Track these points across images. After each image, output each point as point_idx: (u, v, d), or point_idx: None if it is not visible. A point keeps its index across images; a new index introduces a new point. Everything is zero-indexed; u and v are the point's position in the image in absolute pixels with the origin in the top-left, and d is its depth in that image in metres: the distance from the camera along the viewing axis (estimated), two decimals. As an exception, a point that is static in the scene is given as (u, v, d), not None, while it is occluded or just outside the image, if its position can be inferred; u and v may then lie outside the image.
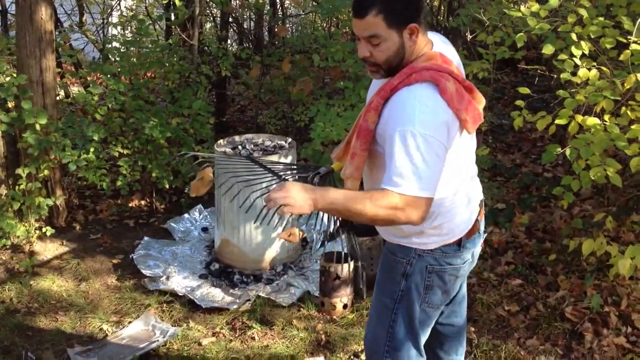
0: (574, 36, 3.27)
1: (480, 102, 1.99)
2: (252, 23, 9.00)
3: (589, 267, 3.73)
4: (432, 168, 1.83)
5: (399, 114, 1.86)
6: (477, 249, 2.24)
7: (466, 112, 1.90)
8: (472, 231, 2.15)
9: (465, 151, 2.06)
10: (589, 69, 3.19)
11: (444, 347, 2.45)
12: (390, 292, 2.21)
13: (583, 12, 3.27)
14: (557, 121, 3.21)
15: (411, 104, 1.85)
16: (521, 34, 3.48)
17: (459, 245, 2.12)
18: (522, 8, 3.42)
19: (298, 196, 1.86)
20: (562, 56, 3.27)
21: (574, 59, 3.24)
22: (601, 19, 3.32)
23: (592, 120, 3.11)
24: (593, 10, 3.37)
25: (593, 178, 3.04)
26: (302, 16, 9.96)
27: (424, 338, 2.28)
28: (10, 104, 4.38)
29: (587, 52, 3.28)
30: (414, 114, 1.83)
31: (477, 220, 2.17)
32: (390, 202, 1.82)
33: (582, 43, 3.27)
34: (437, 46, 2.01)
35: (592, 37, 3.30)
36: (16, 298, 3.83)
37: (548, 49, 3.30)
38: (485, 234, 2.31)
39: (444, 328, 2.41)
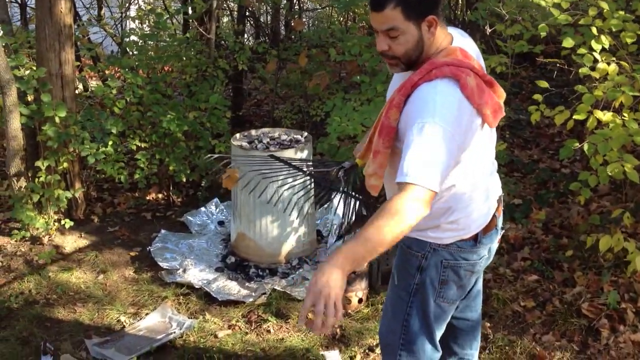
0: (594, 30, 3.24)
1: (501, 96, 1.98)
2: (269, 17, 9.01)
3: (606, 263, 3.71)
4: (445, 162, 1.79)
5: (420, 108, 1.84)
6: (494, 245, 2.23)
7: (487, 106, 1.89)
8: (489, 227, 2.14)
9: (484, 147, 2.04)
10: (608, 64, 3.17)
11: (458, 341, 2.45)
12: (405, 285, 2.20)
13: (604, 5, 3.24)
14: (575, 116, 3.19)
15: (432, 98, 1.83)
16: (543, 24, 3.45)
17: (475, 240, 2.10)
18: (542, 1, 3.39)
19: (332, 281, 1.74)
20: (582, 50, 3.24)
21: (594, 53, 3.21)
22: (622, 12, 3.29)
23: (610, 116, 3.09)
24: (613, 4, 3.33)
25: (610, 174, 3.02)
26: (319, 10, 9.95)
27: (439, 332, 2.27)
28: (29, 97, 4.43)
29: (607, 47, 3.25)
30: (434, 108, 1.81)
31: (494, 216, 2.16)
32: (410, 199, 1.76)
33: (602, 37, 3.24)
34: (457, 40, 2.00)
35: (613, 30, 3.26)
36: (35, 289, 3.88)
37: (568, 42, 3.27)
38: (503, 230, 2.29)
39: (459, 322, 2.40)
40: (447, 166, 1.81)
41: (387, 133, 1.96)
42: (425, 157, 1.77)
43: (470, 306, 2.39)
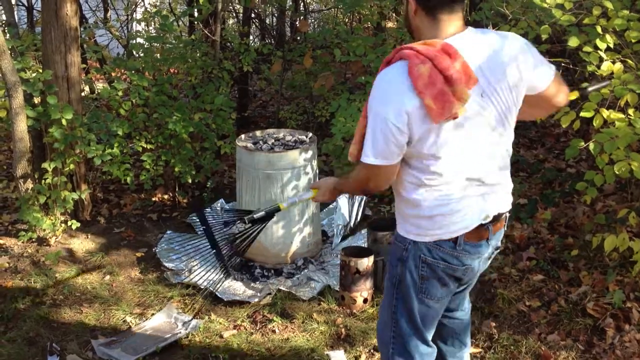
0: (599, 29, 3.24)
1: (460, 98, 1.91)
2: (274, 19, 9.03)
3: (612, 262, 3.70)
4: (380, 139, 1.96)
5: (372, 92, 2.01)
6: (483, 262, 2.21)
7: (432, 98, 1.88)
8: (476, 236, 2.11)
9: (459, 148, 2.00)
10: (613, 62, 3.16)
11: (447, 341, 2.47)
12: (390, 277, 2.24)
13: (608, 5, 3.23)
14: (582, 114, 3.18)
15: (377, 80, 2.00)
16: (545, 26, 3.45)
17: (455, 243, 2.09)
18: None
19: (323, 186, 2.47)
20: (587, 48, 3.24)
21: (599, 52, 3.21)
22: (626, 12, 3.28)
23: (616, 114, 3.08)
24: (618, 3, 3.33)
25: (617, 173, 3.01)
26: (324, 11, 9.97)
27: (430, 330, 2.29)
28: (36, 100, 4.45)
29: (612, 45, 3.25)
30: (374, 90, 1.99)
31: (487, 230, 2.13)
32: (358, 171, 2.13)
33: (607, 36, 3.23)
34: (455, 40, 1.97)
35: (617, 30, 3.26)
36: (42, 290, 3.90)
37: (574, 42, 3.26)
38: (497, 250, 2.26)
39: (448, 321, 2.43)
40: (384, 146, 1.97)
41: (363, 113, 2.08)
42: (368, 136, 2.01)
43: (460, 305, 2.43)
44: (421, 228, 2.10)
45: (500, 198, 2.16)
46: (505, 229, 2.25)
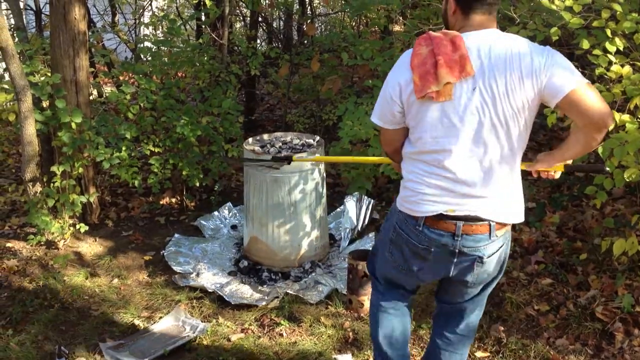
0: (608, 32, 3.23)
1: (440, 80, 2.05)
2: (281, 22, 9.04)
3: (620, 266, 3.68)
4: (380, 102, 2.26)
5: None
6: (461, 261, 2.25)
7: (418, 75, 2.09)
8: (436, 225, 2.20)
9: (437, 132, 2.13)
10: (622, 66, 3.15)
11: (440, 321, 2.61)
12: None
13: (617, 8, 3.22)
14: None
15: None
16: (555, 28, 3.44)
17: (416, 221, 2.24)
18: (557, 1, 3.37)
19: None
20: (597, 52, 3.23)
21: (609, 55, 3.20)
22: (635, 14, 3.27)
23: (626, 117, 3.07)
24: (626, 6, 3.32)
25: (628, 179, 3.00)
26: (331, 15, 9.97)
27: (385, 282, 2.58)
28: (44, 103, 4.47)
29: (621, 48, 3.24)
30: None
31: (452, 224, 2.18)
32: None
33: (616, 39, 3.22)
34: (470, 35, 2.09)
35: (626, 32, 3.25)
36: (50, 293, 3.91)
37: (585, 44, 3.26)
38: (482, 262, 2.26)
39: (440, 305, 2.60)
40: (381, 110, 2.26)
41: None
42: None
43: (446, 290, 2.51)
44: (401, 198, 2.32)
45: (483, 203, 2.16)
46: (492, 239, 2.21)
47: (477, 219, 2.17)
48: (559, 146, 2.22)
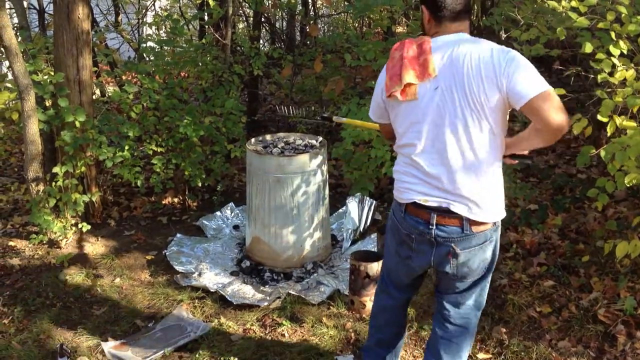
0: (612, 34, 3.22)
1: (403, 79, 2.25)
2: (284, 23, 9.05)
3: (623, 269, 3.68)
4: (373, 102, 2.53)
5: None
6: (438, 249, 2.35)
7: (389, 77, 2.32)
8: (415, 212, 2.37)
9: (407, 128, 2.33)
10: (626, 69, 3.14)
11: (438, 312, 2.65)
12: None
13: (622, 10, 3.22)
14: (598, 118, 3.16)
15: None
16: (560, 28, 3.43)
17: (401, 208, 2.43)
18: (563, 2, 3.37)
19: None
20: (600, 55, 3.22)
21: (612, 58, 3.19)
22: (640, 17, 3.26)
23: (629, 122, 3.06)
24: (631, 8, 3.31)
25: (628, 184, 3.00)
26: (334, 16, 9.98)
27: (388, 271, 2.72)
28: (47, 102, 4.47)
29: (625, 51, 3.23)
30: None
31: (427, 212, 2.32)
32: None
33: (620, 42, 3.22)
34: (438, 39, 2.27)
35: (631, 35, 3.24)
36: (52, 292, 3.91)
37: (588, 47, 3.25)
38: (450, 247, 2.32)
39: (436, 294, 2.67)
40: (373, 106, 2.54)
41: None
42: None
43: (440, 281, 2.57)
44: (394, 186, 2.49)
45: (454, 198, 2.27)
46: (465, 233, 2.29)
47: (448, 212, 2.29)
48: (517, 136, 2.29)
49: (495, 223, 2.35)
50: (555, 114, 2.06)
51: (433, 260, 2.41)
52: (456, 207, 2.27)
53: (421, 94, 2.24)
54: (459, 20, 2.27)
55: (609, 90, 3.23)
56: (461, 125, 2.19)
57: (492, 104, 2.14)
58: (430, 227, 2.32)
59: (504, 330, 3.40)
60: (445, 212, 2.29)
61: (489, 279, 2.52)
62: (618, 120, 3.11)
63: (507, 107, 2.17)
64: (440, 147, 2.24)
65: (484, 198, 2.26)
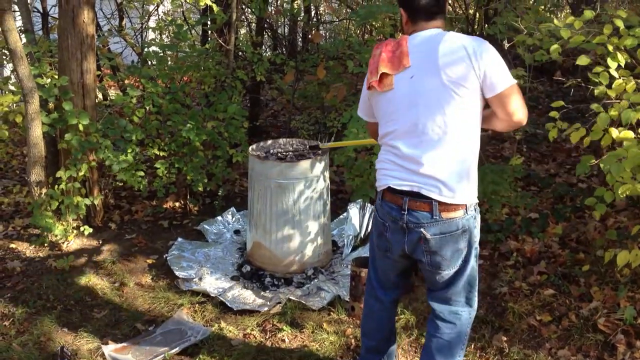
0: (610, 47, 3.24)
1: (379, 71, 2.41)
2: (287, 29, 9.07)
3: (623, 278, 3.69)
4: (361, 101, 2.69)
5: None
6: (410, 235, 2.45)
7: (369, 72, 2.48)
8: (390, 198, 2.47)
9: (383, 107, 2.48)
10: (625, 83, 3.16)
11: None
12: None
13: (619, 24, 3.24)
14: (591, 136, 3.19)
15: None
16: (555, 45, 3.46)
17: (378, 195, 2.56)
18: (555, 20, 3.41)
19: None
20: (598, 68, 3.24)
21: (610, 70, 3.21)
22: (638, 30, 3.28)
23: (626, 133, 3.08)
24: (631, 20, 3.33)
25: (622, 195, 3.02)
26: (336, 23, 10.01)
27: (376, 269, 2.77)
28: (50, 105, 4.49)
29: (622, 64, 3.25)
30: None
31: (400, 197, 2.42)
32: None
33: (618, 54, 3.23)
34: (414, 35, 2.41)
35: (628, 48, 3.26)
36: (53, 295, 3.92)
37: (583, 61, 3.28)
38: (421, 231, 2.40)
39: (427, 292, 2.72)
40: (361, 105, 2.69)
41: None
42: None
43: (425, 277, 2.64)
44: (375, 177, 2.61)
45: (425, 182, 2.37)
46: (435, 219, 2.38)
47: (419, 196, 2.38)
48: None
49: (466, 211, 2.40)
50: (519, 107, 2.31)
51: (407, 249, 2.49)
52: (426, 191, 2.36)
53: (397, 83, 2.39)
54: (434, 19, 2.42)
55: (608, 101, 3.24)
56: (437, 110, 2.31)
57: (467, 89, 2.28)
58: (403, 212, 2.42)
59: (504, 338, 3.41)
60: (416, 197, 2.39)
61: (476, 275, 2.57)
62: (614, 132, 3.11)
63: (481, 93, 2.31)
64: (416, 130, 2.36)
65: (454, 180, 2.36)
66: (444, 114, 2.30)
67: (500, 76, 2.26)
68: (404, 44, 2.40)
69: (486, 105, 2.38)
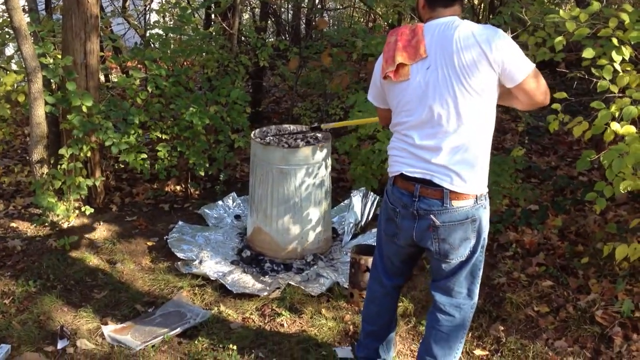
0: (615, 41, 3.23)
1: (395, 61, 2.39)
2: (290, 15, 9.05)
3: (621, 272, 3.70)
4: (372, 86, 2.68)
5: None
6: (419, 222, 2.47)
7: (384, 60, 2.46)
8: (402, 184, 2.49)
9: (402, 105, 2.46)
10: (627, 73, 3.15)
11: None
12: None
13: (625, 17, 3.23)
14: (592, 131, 3.19)
15: None
16: (560, 38, 3.45)
17: (390, 181, 2.59)
18: (562, 12, 3.39)
19: None
20: (602, 61, 3.24)
21: (614, 64, 3.20)
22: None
23: (628, 128, 3.07)
24: (634, 15, 3.32)
25: (623, 191, 3.02)
26: (340, 10, 9.97)
27: (383, 257, 2.80)
28: (54, 85, 4.48)
29: (627, 58, 3.24)
30: None
31: (412, 184, 2.44)
32: None
33: (623, 48, 3.23)
34: (430, 23, 2.40)
35: (632, 42, 3.25)
36: (53, 274, 3.93)
37: (588, 53, 3.26)
38: (431, 218, 2.42)
39: (431, 283, 2.73)
40: (372, 91, 2.68)
41: None
42: None
43: (432, 267, 2.65)
44: (388, 164, 2.63)
45: (437, 170, 2.39)
46: (445, 206, 2.40)
47: (431, 183, 2.40)
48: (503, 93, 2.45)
49: (477, 200, 2.42)
50: (541, 91, 2.34)
51: (415, 235, 2.51)
52: (438, 180, 2.38)
53: (413, 73, 2.38)
54: (451, 5, 2.40)
55: (611, 94, 3.23)
56: (452, 100, 2.30)
57: (483, 80, 2.27)
58: (414, 199, 2.44)
59: (502, 327, 3.43)
60: (428, 184, 2.41)
61: (480, 267, 2.58)
62: (616, 127, 3.11)
63: (498, 83, 2.31)
64: (430, 120, 2.37)
65: (467, 170, 2.37)
66: (458, 105, 2.30)
67: (518, 65, 2.25)
68: (420, 32, 2.38)
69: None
